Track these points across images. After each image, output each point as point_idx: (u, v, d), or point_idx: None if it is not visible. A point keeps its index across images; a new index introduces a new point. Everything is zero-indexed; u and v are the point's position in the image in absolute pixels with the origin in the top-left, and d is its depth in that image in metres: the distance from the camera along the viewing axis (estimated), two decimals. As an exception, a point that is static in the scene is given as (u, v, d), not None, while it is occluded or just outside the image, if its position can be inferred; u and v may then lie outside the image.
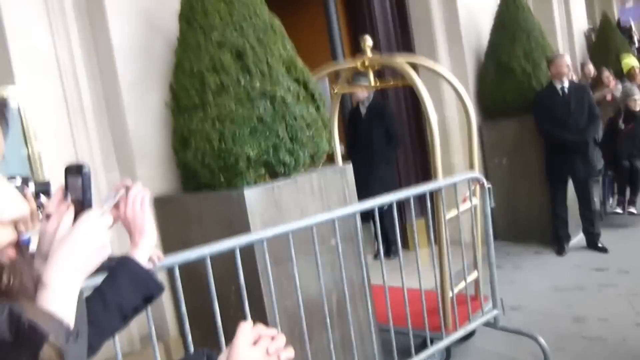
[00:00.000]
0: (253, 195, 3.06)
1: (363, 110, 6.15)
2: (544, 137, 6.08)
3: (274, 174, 3.26)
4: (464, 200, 4.04)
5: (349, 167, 3.62)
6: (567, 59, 5.99)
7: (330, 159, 4.03)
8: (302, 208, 3.27)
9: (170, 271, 2.57)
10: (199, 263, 2.57)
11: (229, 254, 2.64)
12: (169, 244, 3.36)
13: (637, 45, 11.72)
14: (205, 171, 3.21)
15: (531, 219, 6.45)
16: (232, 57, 3.23)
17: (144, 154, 3.47)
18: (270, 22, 3.44)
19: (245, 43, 3.24)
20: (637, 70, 9.07)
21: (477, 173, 4.03)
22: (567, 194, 6.14)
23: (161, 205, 3.46)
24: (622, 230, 6.64)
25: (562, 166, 5.96)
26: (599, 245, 6.03)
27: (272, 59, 3.29)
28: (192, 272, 2.71)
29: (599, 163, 6.73)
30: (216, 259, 2.61)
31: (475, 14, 6.76)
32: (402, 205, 4.72)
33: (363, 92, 5.92)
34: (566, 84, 5.96)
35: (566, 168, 5.96)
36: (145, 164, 3.46)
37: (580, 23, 10.74)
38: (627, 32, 11.27)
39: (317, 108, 3.44)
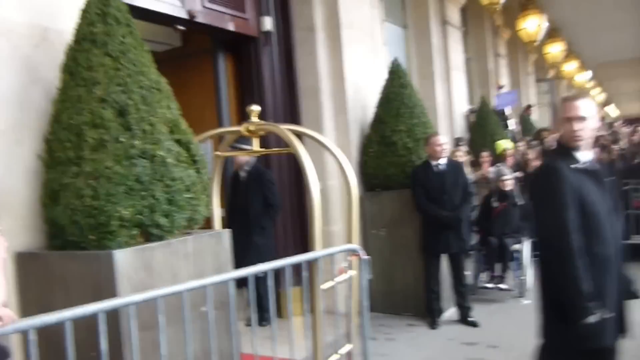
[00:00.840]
0: (123, 257, 2.94)
1: (243, 175, 6.13)
2: (420, 212, 6.27)
3: (147, 236, 3.16)
4: (341, 271, 4.07)
5: (226, 233, 3.58)
6: (442, 139, 6.26)
7: (210, 223, 3.97)
8: (175, 272, 3.19)
9: (24, 334, 2.40)
10: (59, 326, 2.41)
11: (93, 318, 2.50)
12: (27, 305, 3.16)
13: (510, 128, 12.43)
14: (73, 228, 3.07)
15: (406, 292, 6.56)
16: (113, 113, 3.15)
17: (9, 206, 3.27)
18: (157, 82, 3.40)
19: (129, 100, 3.18)
20: (509, 152, 9.59)
21: (355, 245, 4.08)
22: (440, 268, 6.31)
23: (22, 262, 3.26)
24: (492, 305, 6.88)
25: (436, 241, 6.14)
26: (470, 319, 6.19)
27: (155, 119, 3.24)
28: (50, 335, 2.55)
29: (472, 239, 7.00)
30: (78, 321, 2.46)
31: (362, 87, 7.02)
32: (278, 271, 4.69)
33: (244, 157, 5.91)
34: (442, 162, 6.21)
35: (440, 243, 6.13)
36: (8, 216, 3.25)
37: (461, 104, 11.34)
38: (502, 116, 11.94)
39: (198, 171, 3.40)
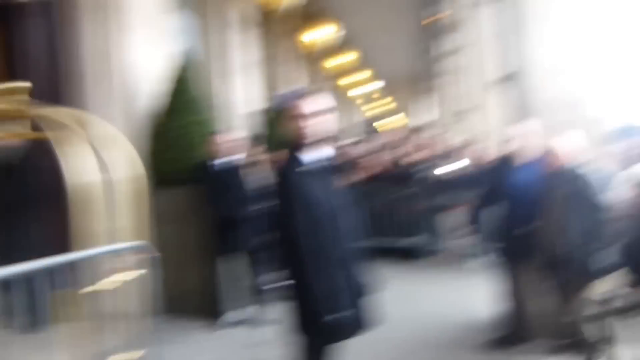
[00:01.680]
0: None
1: (16, 162, 5.37)
2: (209, 210, 6.08)
3: None
4: (127, 271, 3.74)
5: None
6: (233, 136, 6.12)
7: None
8: None
9: None
10: None
11: None
12: None
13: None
14: None
15: (195, 293, 6.29)
16: None
17: None
18: None
19: None
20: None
21: (143, 242, 3.78)
22: (230, 268, 6.14)
23: None
24: (282, 305, 6.77)
25: (226, 240, 6.00)
26: (260, 319, 6.01)
27: None
28: None
29: (266, 238, 6.86)
30: None
31: (153, 77, 6.59)
32: (52, 271, 4.22)
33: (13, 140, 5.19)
34: (233, 160, 6.12)
35: (229, 242, 6.01)
36: None
37: (259, 102, 11.31)
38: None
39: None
